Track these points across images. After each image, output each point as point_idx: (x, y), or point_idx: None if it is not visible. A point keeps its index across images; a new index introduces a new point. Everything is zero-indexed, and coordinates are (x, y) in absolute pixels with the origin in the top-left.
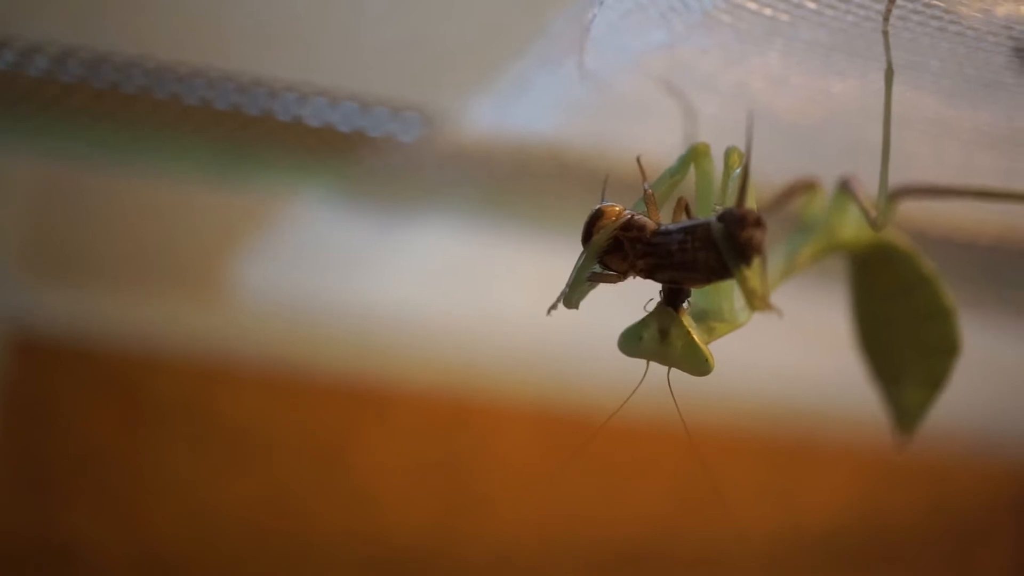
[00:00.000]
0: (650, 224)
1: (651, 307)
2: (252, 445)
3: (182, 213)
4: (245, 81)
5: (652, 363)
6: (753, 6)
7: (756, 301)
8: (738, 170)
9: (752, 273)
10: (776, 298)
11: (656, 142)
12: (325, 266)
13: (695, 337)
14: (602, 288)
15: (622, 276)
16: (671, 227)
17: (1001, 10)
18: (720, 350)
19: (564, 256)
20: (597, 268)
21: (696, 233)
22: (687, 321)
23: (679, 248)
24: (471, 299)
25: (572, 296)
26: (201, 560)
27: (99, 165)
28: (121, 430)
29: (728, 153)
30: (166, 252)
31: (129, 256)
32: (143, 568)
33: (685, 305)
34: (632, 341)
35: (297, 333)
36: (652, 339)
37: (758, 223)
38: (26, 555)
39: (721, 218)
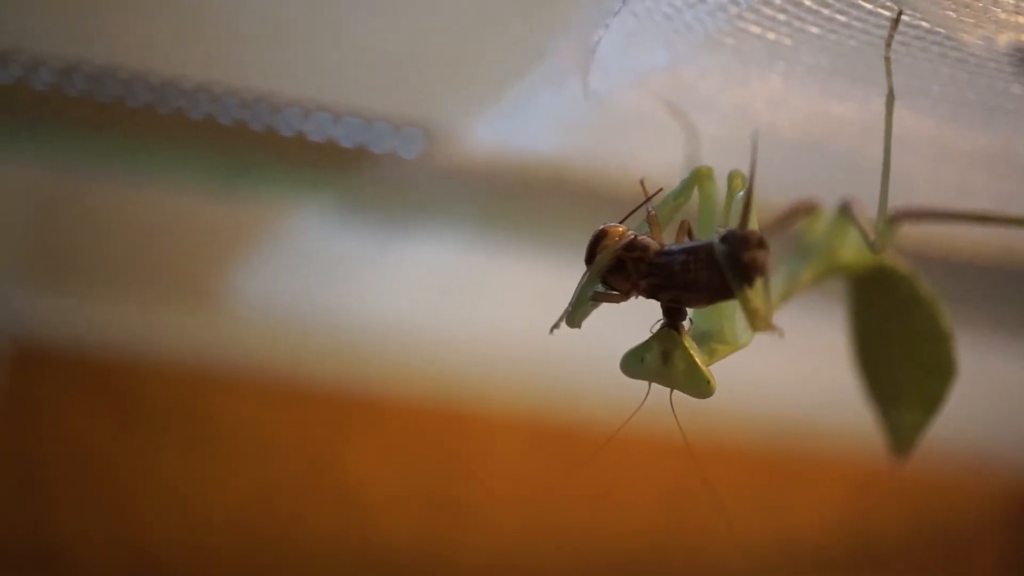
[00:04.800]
0: (653, 244)
1: (655, 329)
2: (245, 453)
3: (179, 223)
4: (248, 96)
5: (654, 384)
6: (756, 30)
7: (758, 321)
8: (741, 192)
9: (754, 293)
10: (774, 318)
11: (658, 162)
12: (322, 278)
13: (697, 359)
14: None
15: (625, 296)
16: (674, 248)
17: (1003, 38)
18: (714, 365)
19: (563, 273)
20: (600, 287)
21: (699, 254)
22: (689, 343)
23: (682, 268)
24: (468, 314)
25: (575, 315)
26: (192, 566)
27: (101, 177)
28: (115, 436)
29: (732, 176)
30: (163, 261)
31: (126, 265)
32: (133, 571)
33: (686, 324)
34: (634, 363)
35: (292, 343)
36: (654, 361)
37: (761, 244)
38: (18, 559)
39: (724, 239)
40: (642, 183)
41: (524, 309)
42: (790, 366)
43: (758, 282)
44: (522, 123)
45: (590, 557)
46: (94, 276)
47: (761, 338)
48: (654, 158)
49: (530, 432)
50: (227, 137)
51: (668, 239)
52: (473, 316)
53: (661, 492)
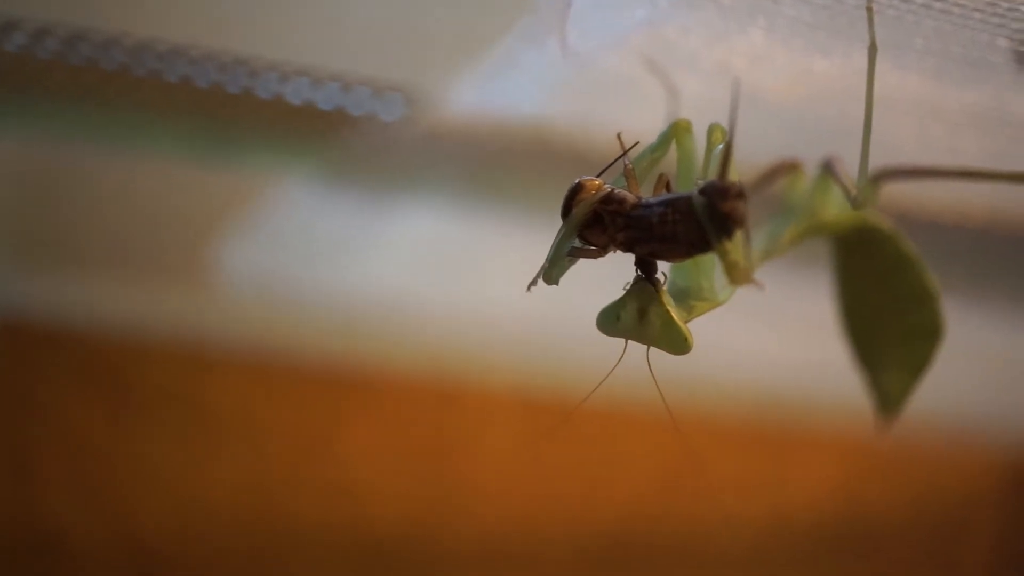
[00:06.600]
0: (630, 197)
1: (630, 285)
2: (237, 432)
3: (164, 198)
4: (227, 59)
5: (633, 343)
6: None
7: (737, 274)
8: (720, 145)
9: (733, 246)
10: (755, 275)
11: (639, 120)
12: (309, 250)
13: (674, 315)
14: (592, 272)
15: (602, 251)
16: (651, 200)
17: None
18: (705, 337)
19: (548, 236)
20: (577, 242)
21: (677, 205)
22: (666, 299)
23: (659, 221)
24: (455, 281)
25: (552, 271)
26: (185, 548)
27: (78, 144)
28: (105, 416)
29: (711, 130)
30: (149, 237)
31: (112, 241)
32: (127, 556)
33: (661, 279)
34: (610, 320)
35: (281, 319)
36: (630, 318)
37: (740, 195)
38: (8, 542)
39: (703, 190)
40: (619, 137)
41: (510, 273)
42: (784, 341)
43: (737, 234)
44: (504, 84)
45: (585, 535)
46: (79, 253)
47: (755, 312)
48: (636, 117)
49: (525, 408)
50: (205, 101)
51: (646, 193)
52: (460, 284)
53: (655, 472)
